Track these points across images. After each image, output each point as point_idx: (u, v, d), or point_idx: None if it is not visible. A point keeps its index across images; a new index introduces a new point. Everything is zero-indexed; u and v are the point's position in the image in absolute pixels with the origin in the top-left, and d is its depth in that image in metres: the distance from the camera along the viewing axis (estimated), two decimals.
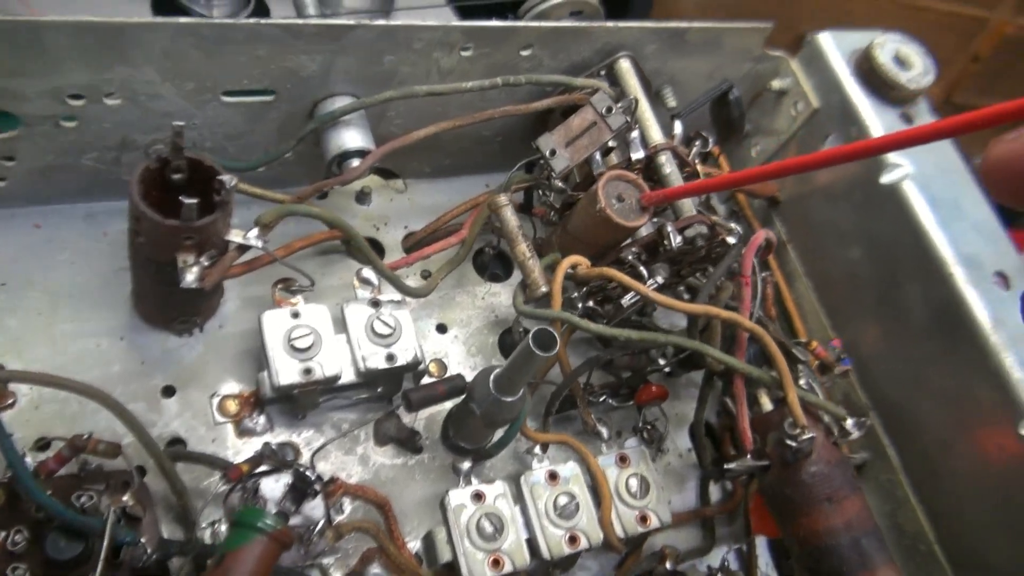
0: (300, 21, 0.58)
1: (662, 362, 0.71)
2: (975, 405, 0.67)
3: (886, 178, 0.73)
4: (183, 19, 0.56)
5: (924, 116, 0.77)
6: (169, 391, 0.64)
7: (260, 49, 0.60)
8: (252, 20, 0.57)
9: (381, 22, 0.61)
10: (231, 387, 0.66)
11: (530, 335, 0.52)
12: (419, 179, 0.81)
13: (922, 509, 0.73)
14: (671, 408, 0.77)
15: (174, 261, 0.57)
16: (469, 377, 0.65)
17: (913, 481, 0.74)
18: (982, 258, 0.69)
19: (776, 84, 0.81)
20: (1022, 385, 0.64)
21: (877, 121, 0.74)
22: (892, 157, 0.73)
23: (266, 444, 0.63)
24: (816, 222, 0.81)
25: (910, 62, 0.76)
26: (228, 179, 0.55)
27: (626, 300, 0.63)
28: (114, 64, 0.57)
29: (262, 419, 0.65)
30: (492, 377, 0.59)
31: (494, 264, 0.80)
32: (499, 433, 0.66)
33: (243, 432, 0.64)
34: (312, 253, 0.72)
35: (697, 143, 0.71)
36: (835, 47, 0.78)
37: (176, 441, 0.63)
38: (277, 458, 0.62)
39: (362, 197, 0.77)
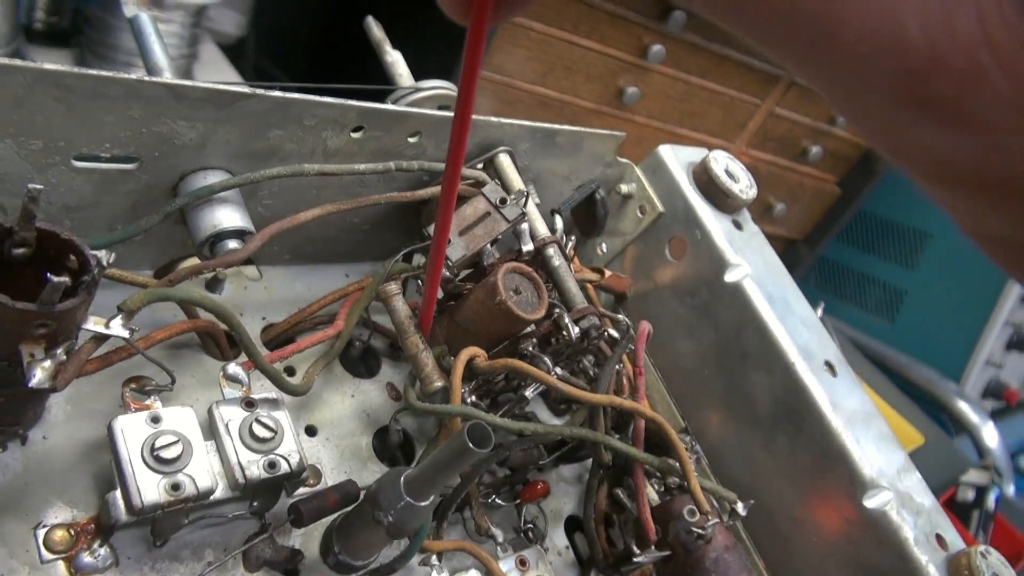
0: (189, 83, 0.52)
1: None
2: (819, 483, 0.74)
3: (730, 277, 0.80)
4: (49, 65, 0.47)
5: (749, 223, 0.87)
6: None
7: (135, 109, 0.52)
8: (135, 76, 0.50)
9: (277, 93, 0.56)
10: (61, 513, 0.53)
11: (464, 431, 0.48)
12: (275, 266, 0.74)
13: None
14: (545, 505, 0.75)
15: (12, 355, 0.46)
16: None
17: (767, 560, 0.78)
18: (812, 348, 0.78)
19: (624, 188, 0.87)
20: (862, 461, 0.71)
21: (717, 226, 0.82)
22: (731, 257, 0.81)
23: None
24: (663, 316, 0.86)
25: (737, 176, 0.86)
26: (103, 256, 0.46)
27: (529, 392, 0.62)
28: None
29: (104, 551, 0.53)
30: (403, 480, 0.54)
31: (361, 360, 0.74)
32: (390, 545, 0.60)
33: (80, 570, 0.51)
34: (158, 347, 0.62)
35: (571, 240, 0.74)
36: (675, 159, 0.86)
37: None
38: None
39: (214, 284, 0.69)
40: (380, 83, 0.89)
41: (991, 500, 2.19)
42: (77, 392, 0.57)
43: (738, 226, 0.85)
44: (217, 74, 1.41)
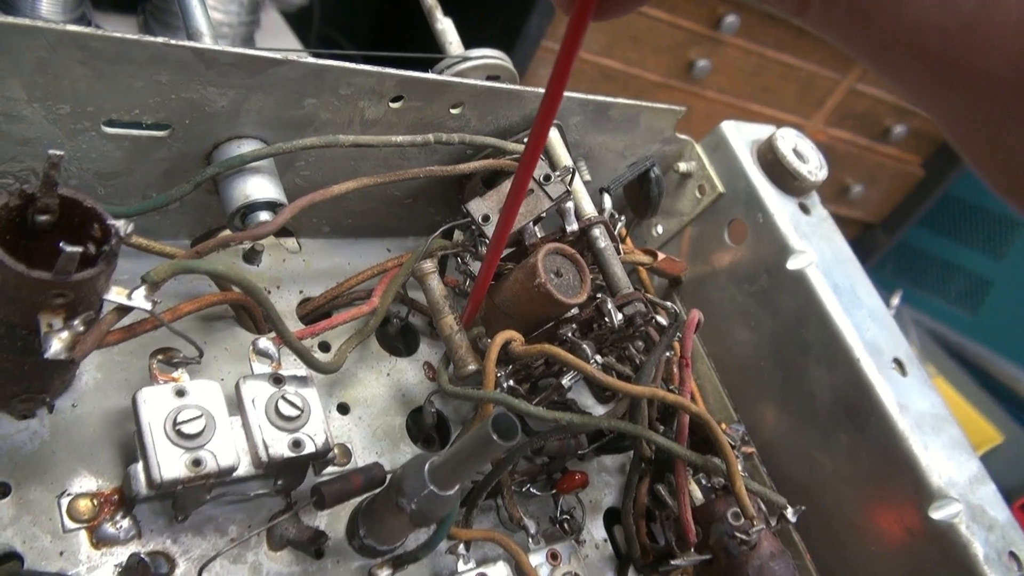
0: (217, 48, 0.50)
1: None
2: (882, 489, 0.69)
3: (793, 264, 0.75)
4: (72, 27, 0.45)
5: (817, 207, 0.81)
6: (1, 490, 0.50)
7: (163, 74, 0.50)
8: (161, 40, 0.48)
9: (311, 60, 0.54)
10: (86, 483, 0.52)
11: (489, 421, 0.46)
12: (315, 238, 0.72)
13: None
14: (584, 495, 0.72)
15: (32, 324, 0.45)
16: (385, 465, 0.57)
17: (819, 565, 0.74)
18: (880, 344, 0.73)
19: (682, 167, 0.82)
20: (930, 469, 0.66)
21: (782, 209, 0.77)
22: (795, 243, 0.75)
23: (133, 555, 0.51)
24: (719, 303, 0.81)
25: (806, 156, 0.80)
26: (123, 225, 0.45)
27: (566, 380, 0.58)
28: None
29: (126, 523, 0.52)
30: (428, 468, 0.51)
31: (399, 337, 0.72)
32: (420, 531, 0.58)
33: (101, 541, 0.51)
34: (191, 319, 0.61)
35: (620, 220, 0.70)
36: (738, 136, 0.81)
37: (9, 557, 0.48)
38: (150, 573, 0.50)
39: (252, 256, 0.67)
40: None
41: None
42: (108, 361, 0.57)
43: (805, 210, 0.80)
44: (278, 42, 1.40)
